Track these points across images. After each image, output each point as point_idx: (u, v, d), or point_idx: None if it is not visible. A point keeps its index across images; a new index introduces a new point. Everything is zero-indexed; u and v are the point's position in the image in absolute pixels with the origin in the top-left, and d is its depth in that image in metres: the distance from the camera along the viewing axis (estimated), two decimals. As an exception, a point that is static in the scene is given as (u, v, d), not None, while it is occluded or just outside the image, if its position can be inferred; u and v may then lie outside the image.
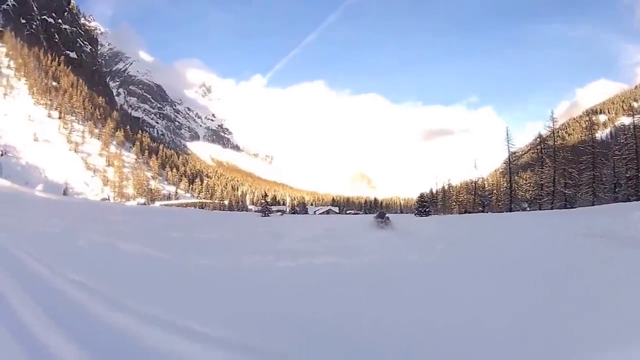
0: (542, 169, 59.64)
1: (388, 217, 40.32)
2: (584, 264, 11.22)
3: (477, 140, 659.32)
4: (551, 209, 53.14)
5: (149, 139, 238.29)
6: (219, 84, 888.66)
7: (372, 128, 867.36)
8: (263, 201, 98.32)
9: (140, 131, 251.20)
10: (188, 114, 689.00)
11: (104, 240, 14.25)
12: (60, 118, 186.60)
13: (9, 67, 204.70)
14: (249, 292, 7.73)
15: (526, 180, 68.80)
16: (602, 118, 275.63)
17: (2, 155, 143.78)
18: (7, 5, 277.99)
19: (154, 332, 5.27)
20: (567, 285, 8.56)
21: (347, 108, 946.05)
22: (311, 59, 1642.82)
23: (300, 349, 4.88)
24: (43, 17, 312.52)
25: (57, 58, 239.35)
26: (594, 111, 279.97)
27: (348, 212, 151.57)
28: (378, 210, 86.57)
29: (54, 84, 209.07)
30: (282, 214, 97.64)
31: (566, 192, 54.02)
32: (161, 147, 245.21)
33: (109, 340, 5.08)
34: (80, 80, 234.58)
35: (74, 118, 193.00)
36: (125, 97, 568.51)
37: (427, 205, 78.94)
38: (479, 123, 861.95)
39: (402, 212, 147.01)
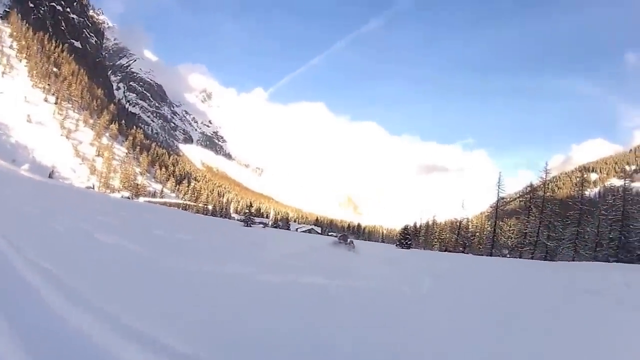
0: (528, 217, 59.75)
1: (352, 241, 40.05)
2: (578, 317, 11.21)
3: (469, 181, 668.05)
4: (531, 258, 53.22)
5: (142, 136, 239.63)
6: (220, 91, 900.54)
7: (366, 156, 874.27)
8: (247, 211, 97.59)
9: (134, 127, 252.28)
10: (185, 117, 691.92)
11: (83, 228, 13.62)
12: (56, 103, 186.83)
13: (11, 47, 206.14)
14: (227, 303, 7.34)
15: (510, 227, 68.97)
16: (594, 176, 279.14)
17: None
18: None
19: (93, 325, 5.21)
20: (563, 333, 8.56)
21: (344, 133, 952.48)
22: (314, 80, 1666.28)
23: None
24: (52, 3, 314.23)
25: (60, 45, 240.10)
26: (586, 168, 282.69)
27: (330, 233, 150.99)
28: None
29: (55, 69, 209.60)
30: (264, 227, 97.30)
31: (548, 244, 54.13)
32: (153, 145, 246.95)
33: (39, 322, 5.01)
34: (82, 70, 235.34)
35: (70, 105, 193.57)
36: (124, 92, 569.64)
37: (409, 237, 78.79)
38: (472, 164, 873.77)
39: (383, 242, 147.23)
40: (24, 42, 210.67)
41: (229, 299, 7.70)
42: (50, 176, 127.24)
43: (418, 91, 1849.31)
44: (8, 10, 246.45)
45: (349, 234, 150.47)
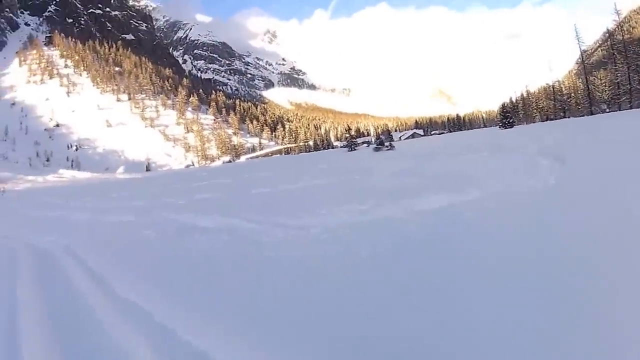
0: (616, 66, 57.70)
1: (390, 144, 41.25)
2: None
3: (547, 40, 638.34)
4: (630, 108, 51.58)
5: (223, 97, 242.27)
6: (282, 27, 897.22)
7: (441, 42, 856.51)
8: (347, 135, 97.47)
9: (213, 92, 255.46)
10: (258, 63, 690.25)
11: (180, 220, 11.63)
12: (130, 99, 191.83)
13: (66, 66, 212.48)
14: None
15: (601, 80, 66.13)
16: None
17: (76, 149, 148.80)
18: (49, 11, 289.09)
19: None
20: None
21: (413, 26, 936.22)
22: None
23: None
24: (89, 11, 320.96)
25: (114, 44, 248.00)
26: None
27: (432, 133, 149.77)
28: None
29: (117, 69, 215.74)
30: (367, 145, 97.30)
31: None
32: (237, 102, 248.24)
33: None
34: (143, 59, 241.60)
35: (144, 96, 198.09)
36: (192, 62, 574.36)
37: (509, 115, 77.31)
38: (546, 21, 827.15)
39: (485, 126, 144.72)
40: (77, 57, 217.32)
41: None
42: (147, 169, 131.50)
43: None
44: (50, 35, 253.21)
45: (440, 128, 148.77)
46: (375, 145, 54.26)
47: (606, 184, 8.34)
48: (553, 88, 77.45)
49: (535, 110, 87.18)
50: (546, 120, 74.17)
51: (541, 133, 33.73)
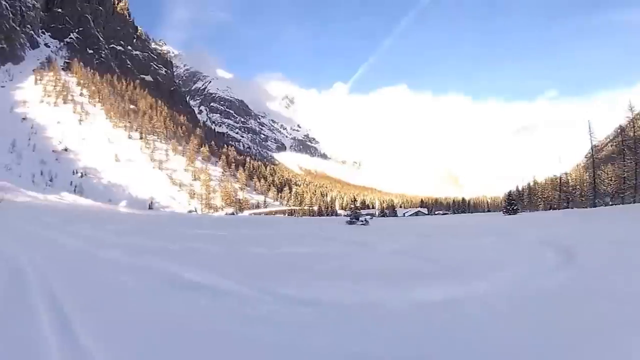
0: (624, 161, 58.57)
1: (366, 219, 41.49)
2: None
3: (560, 134, 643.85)
4: (633, 202, 52.16)
5: (235, 153, 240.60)
6: (301, 94, 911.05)
7: (456, 127, 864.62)
8: (352, 205, 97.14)
9: (225, 145, 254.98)
10: (273, 125, 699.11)
11: (165, 270, 10.80)
12: (141, 138, 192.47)
13: (81, 94, 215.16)
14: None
15: (608, 174, 67.01)
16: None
17: (82, 176, 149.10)
18: (71, 38, 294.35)
19: None
20: None
21: (430, 109, 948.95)
22: (390, 64, 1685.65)
23: None
24: (111, 45, 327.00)
25: (131, 82, 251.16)
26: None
27: (436, 212, 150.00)
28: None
29: (132, 106, 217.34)
30: (371, 217, 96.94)
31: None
32: (248, 159, 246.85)
33: None
34: (159, 101, 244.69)
35: (155, 137, 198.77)
36: (207, 114, 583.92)
37: (514, 203, 77.70)
38: (560, 115, 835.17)
39: (489, 211, 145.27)
40: (94, 88, 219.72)
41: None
42: (150, 207, 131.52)
43: (492, 53, 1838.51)
44: (68, 61, 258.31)
45: (445, 209, 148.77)
46: (349, 219, 53.19)
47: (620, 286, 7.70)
48: (560, 179, 78.35)
49: (539, 199, 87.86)
50: (549, 209, 74.73)
51: (547, 222, 34.17)
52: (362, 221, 45.75)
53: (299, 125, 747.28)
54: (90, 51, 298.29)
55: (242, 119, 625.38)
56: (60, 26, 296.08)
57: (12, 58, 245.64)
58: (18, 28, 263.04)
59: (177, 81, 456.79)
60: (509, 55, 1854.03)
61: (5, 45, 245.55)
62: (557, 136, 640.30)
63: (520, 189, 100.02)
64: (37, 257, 11.67)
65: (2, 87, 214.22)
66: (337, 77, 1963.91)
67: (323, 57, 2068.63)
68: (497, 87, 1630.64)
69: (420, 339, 5.59)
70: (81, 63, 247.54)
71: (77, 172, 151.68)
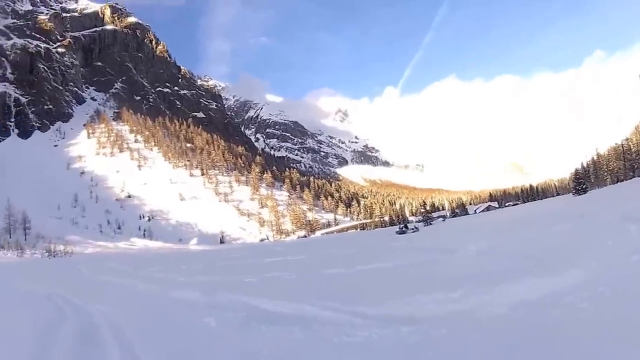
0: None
1: (415, 227, 42.02)
2: None
3: (614, 97, 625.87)
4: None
5: (297, 175, 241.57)
6: (353, 106, 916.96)
7: (510, 112, 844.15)
8: (422, 210, 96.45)
9: (287, 169, 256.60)
10: (331, 141, 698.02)
11: (247, 304, 10.30)
12: (203, 174, 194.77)
13: (136, 141, 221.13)
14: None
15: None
16: None
17: (149, 220, 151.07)
18: (116, 88, 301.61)
19: None
20: None
21: (482, 96, 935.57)
22: (435, 58, 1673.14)
23: None
24: (158, 89, 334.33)
25: (184, 121, 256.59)
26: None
27: (507, 204, 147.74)
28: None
29: (188, 145, 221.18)
30: (443, 220, 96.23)
31: None
32: (311, 179, 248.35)
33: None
34: (215, 136, 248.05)
35: (217, 172, 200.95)
36: (264, 140, 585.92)
37: (583, 182, 76.22)
38: (612, 76, 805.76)
39: (558, 194, 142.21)
40: (147, 132, 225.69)
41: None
42: (221, 241, 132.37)
43: (532, 22, 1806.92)
44: (117, 110, 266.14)
45: (514, 200, 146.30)
46: (398, 229, 53.01)
47: None
48: (622, 147, 76.93)
49: (606, 173, 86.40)
50: (617, 182, 73.51)
51: (619, 196, 33.69)
52: (412, 229, 47.13)
53: (356, 137, 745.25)
54: (138, 98, 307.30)
55: (300, 140, 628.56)
56: (102, 79, 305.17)
57: (60, 117, 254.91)
58: (61, 87, 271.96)
59: (229, 113, 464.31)
60: (548, 21, 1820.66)
61: (51, 106, 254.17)
62: (611, 99, 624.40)
63: (585, 165, 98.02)
64: (109, 308, 11.37)
65: (55, 146, 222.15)
66: (387, 82, 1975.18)
67: (368, 65, 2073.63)
68: (543, 59, 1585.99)
69: (537, 345, 5.28)
70: (130, 110, 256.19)
71: (144, 217, 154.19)
